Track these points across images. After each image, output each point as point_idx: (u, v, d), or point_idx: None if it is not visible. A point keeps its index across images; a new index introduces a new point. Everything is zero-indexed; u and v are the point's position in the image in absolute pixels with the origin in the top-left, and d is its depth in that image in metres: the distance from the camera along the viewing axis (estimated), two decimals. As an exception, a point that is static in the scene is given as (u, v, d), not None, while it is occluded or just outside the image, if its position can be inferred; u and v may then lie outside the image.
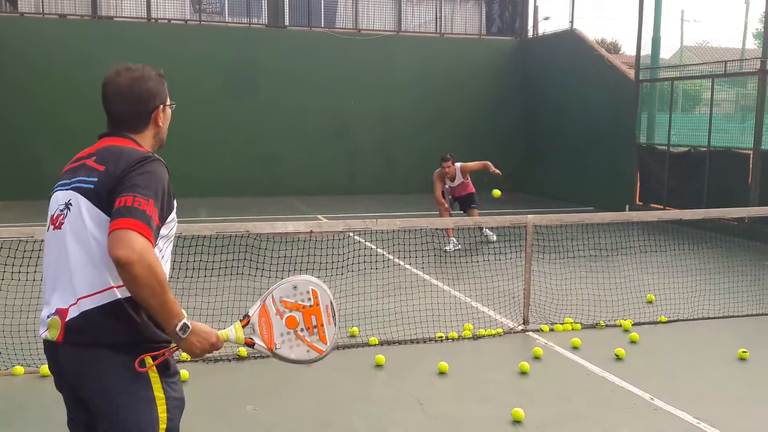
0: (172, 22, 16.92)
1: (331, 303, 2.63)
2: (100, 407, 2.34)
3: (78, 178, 2.37)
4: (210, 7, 18.01)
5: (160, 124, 2.56)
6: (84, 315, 2.28)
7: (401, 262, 8.52)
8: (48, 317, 2.35)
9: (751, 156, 11.62)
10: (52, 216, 2.41)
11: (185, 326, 2.27)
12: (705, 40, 14.99)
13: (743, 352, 5.81)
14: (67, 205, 2.35)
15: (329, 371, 5.43)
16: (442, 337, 6.21)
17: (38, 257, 5.62)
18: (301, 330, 2.55)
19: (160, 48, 15.76)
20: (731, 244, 10.70)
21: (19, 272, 5.56)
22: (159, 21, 16.81)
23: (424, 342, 6.13)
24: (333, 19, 18.52)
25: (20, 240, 5.36)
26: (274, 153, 16.78)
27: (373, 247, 9.39)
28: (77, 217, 2.33)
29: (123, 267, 2.14)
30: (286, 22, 18.08)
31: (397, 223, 6.39)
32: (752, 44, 19.35)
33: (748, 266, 9.09)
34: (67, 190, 2.39)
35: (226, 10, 18.06)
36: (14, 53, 15.32)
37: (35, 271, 5.56)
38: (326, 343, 2.57)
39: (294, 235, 6.45)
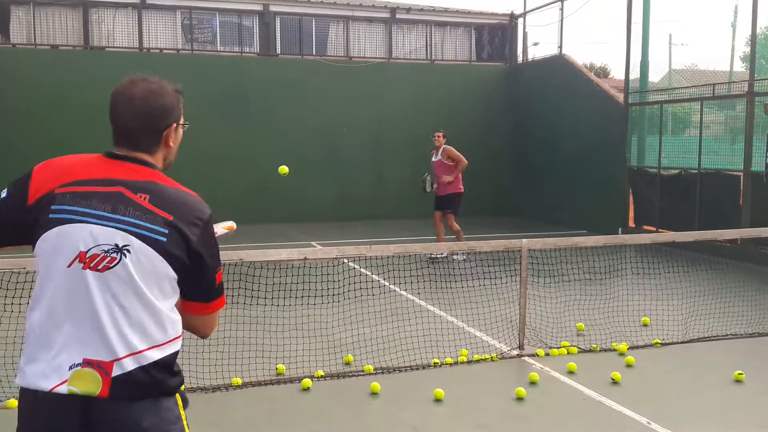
0: (164, 51, 17.01)
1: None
2: None
3: (132, 220, 2.11)
4: (202, 36, 18.11)
5: (171, 144, 2.31)
6: (137, 371, 2.10)
7: (396, 288, 8.50)
8: (71, 368, 2.06)
9: (742, 177, 11.70)
10: (84, 253, 2.08)
11: None
12: (693, 63, 15.15)
13: (739, 374, 5.80)
14: (122, 250, 2.09)
15: (324, 400, 5.39)
16: (437, 363, 6.19)
17: (30, 288, 5.58)
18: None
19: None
20: (724, 265, 10.73)
21: (12, 304, 5.52)
22: (151, 51, 16.90)
23: (420, 369, 6.10)
24: (324, 47, 18.66)
25: (12, 272, 5.33)
26: (265, 180, 16.78)
27: (368, 273, 9.38)
28: (140, 268, 2.10)
29: (205, 336, 2.36)
30: (278, 51, 18.20)
31: (391, 248, 6.39)
32: (740, 67, 19.56)
33: (742, 287, 9.10)
34: (113, 227, 2.10)
35: (218, 40, 18.16)
36: (7, 84, 15.35)
37: (27, 303, 5.53)
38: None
39: (288, 262, 6.43)
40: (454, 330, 7.18)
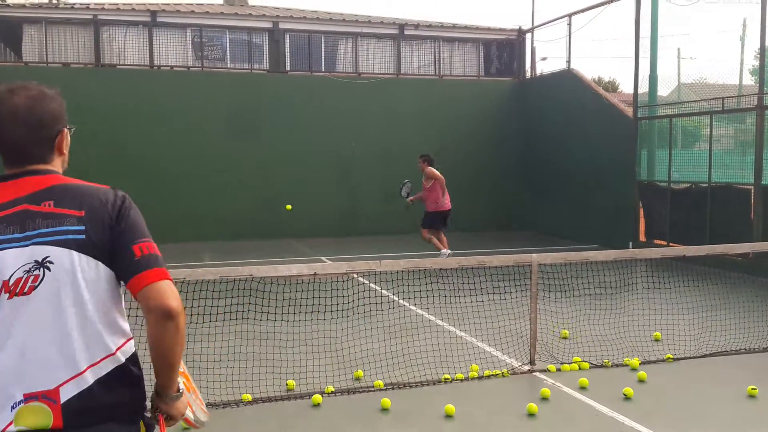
0: (175, 69, 17.13)
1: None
2: None
3: (44, 230, 1.99)
4: (212, 53, 18.24)
5: (65, 150, 2.20)
6: (91, 389, 1.98)
7: (406, 303, 8.49)
8: (13, 407, 1.93)
9: (753, 191, 11.64)
10: (6, 281, 1.95)
11: (179, 388, 2.16)
12: (702, 76, 15.08)
13: (752, 389, 5.75)
14: (43, 264, 1.97)
15: (335, 416, 5.38)
16: (448, 378, 6.16)
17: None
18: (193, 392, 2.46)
19: (163, 95, 15.97)
20: (736, 279, 10.66)
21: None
22: (162, 68, 17.03)
23: (431, 384, 6.08)
24: (333, 63, 18.76)
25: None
26: (275, 196, 16.85)
27: (378, 288, 9.37)
28: (67, 276, 1.98)
29: (172, 318, 2.01)
30: (287, 67, 18.30)
31: (401, 263, 6.38)
32: (749, 80, 19.50)
33: (754, 302, 9.05)
34: (26, 245, 1.98)
35: (228, 57, 18.29)
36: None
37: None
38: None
39: (298, 277, 6.44)
40: (465, 345, 7.15)
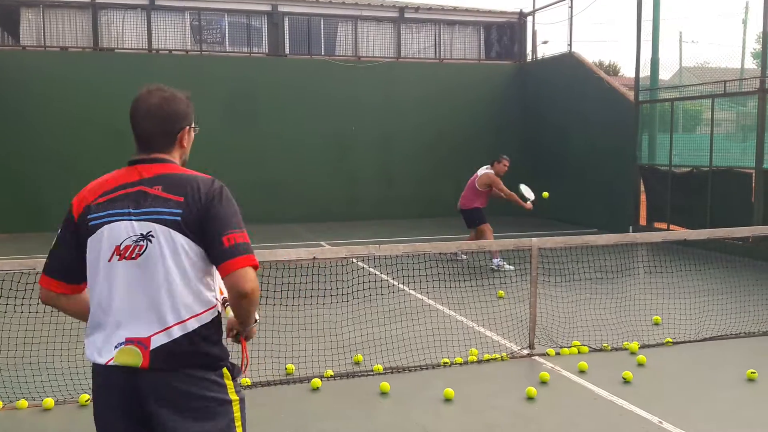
0: (173, 52, 17.05)
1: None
2: (182, 426, 2.43)
3: (151, 209, 2.44)
4: (211, 37, 18.14)
5: (185, 145, 2.65)
6: (176, 341, 2.42)
7: (405, 288, 8.48)
8: (117, 347, 2.42)
9: (754, 175, 11.61)
10: (118, 246, 2.44)
11: (256, 319, 2.63)
12: (704, 60, 15.01)
13: (752, 372, 5.75)
14: (147, 237, 2.43)
15: (333, 399, 5.38)
16: (447, 362, 6.16)
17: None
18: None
19: (162, 78, 15.63)
20: (736, 263, 10.65)
21: (22, 305, 5.53)
22: (160, 52, 16.94)
23: (430, 368, 6.07)
24: (333, 47, 18.65)
25: (22, 272, 5.34)
26: (275, 180, 16.82)
27: (377, 272, 9.36)
28: (168, 246, 2.42)
29: (246, 297, 2.44)
30: (287, 51, 18.20)
31: (401, 248, 6.36)
32: (751, 64, 19.41)
33: (754, 285, 9.04)
34: (138, 220, 2.44)
35: (227, 40, 18.18)
36: (16, 86, 15.41)
37: (38, 304, 5.54)
38: None
39: (297, 262, 6.42)
40: (464, 329, 7.15)
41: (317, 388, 5.58)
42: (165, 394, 2.42)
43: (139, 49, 16.90)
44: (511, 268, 10.14)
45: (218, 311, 2.54)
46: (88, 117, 15.41)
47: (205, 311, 2.48)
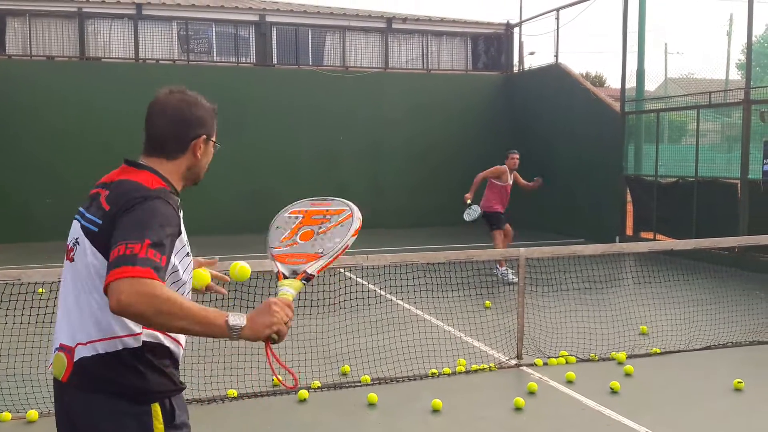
0: (160, 62, 17.00)
1: (309, 202, 2.70)
2: None
3: (89, 215, 2.24)
4: (198, 47, 18.11)
5: (199, 155, 2.38)
6: (95, 358, 2.16)
7: (393, 298, 8.47)
8: (54, 351, 2.26)
9: (739, 185, 11.70)
10: (68, 246, 2.32)
11: (235, 325, 2.13)
12: (689, 71, 15.12)
13: (738, 382, 5.77)
14: (77, 242, 2.26)
15: (321, 411, 5.35)
16: (435, 373, 6.15)
17: (25, 300, 5.55)
18: (319, 228, 2.58)
19: (149, 88, 15.55)
20: (722, 273, 10.70)
21: (6, 315, 5.48)
22: (147, 61, 16.89)
23: (418, 379, 6.06)
24: (321, 57, 18.66)
25: (6, 283, 5.28)
26: (263, 190, 16.76)
27: (365, 283, 9.34)
28: (83, 257, 2.21)
29: (125, 314, 2.00)
30: (274, 61, 18.20)
31: (388, 258, 6.35)
32: (736, 75, 19.57)
33: (740, 295, 9.08)
34: (80, 222, 2.28)
35: (214, 50, 18.16)
36: (1, 95, 15.28)
37: (22, 314, 5.49)
38: (346, 209, 2.66)
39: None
40: (452, 340, 7.14)
41: (304, 399, 5.55)
42: (80, 418, 2.18)
43: (126, 59, 16.84)
44: (515, 279, 10.09)
45: (156, 339, 2.21)
46: (75, 126, 15.32)
47: (129, 335, 2.17)
